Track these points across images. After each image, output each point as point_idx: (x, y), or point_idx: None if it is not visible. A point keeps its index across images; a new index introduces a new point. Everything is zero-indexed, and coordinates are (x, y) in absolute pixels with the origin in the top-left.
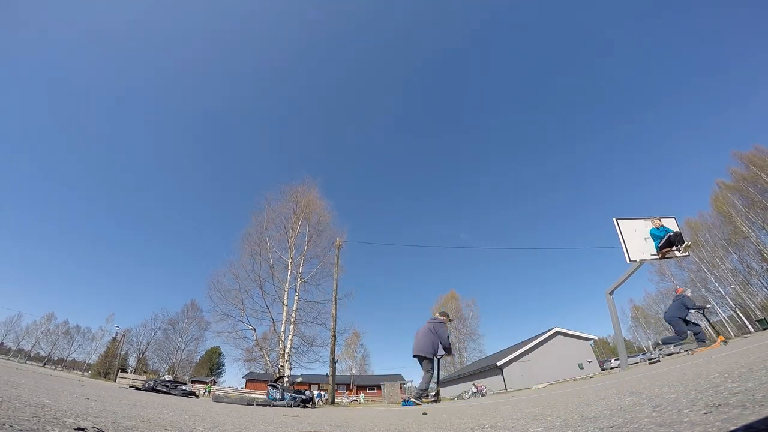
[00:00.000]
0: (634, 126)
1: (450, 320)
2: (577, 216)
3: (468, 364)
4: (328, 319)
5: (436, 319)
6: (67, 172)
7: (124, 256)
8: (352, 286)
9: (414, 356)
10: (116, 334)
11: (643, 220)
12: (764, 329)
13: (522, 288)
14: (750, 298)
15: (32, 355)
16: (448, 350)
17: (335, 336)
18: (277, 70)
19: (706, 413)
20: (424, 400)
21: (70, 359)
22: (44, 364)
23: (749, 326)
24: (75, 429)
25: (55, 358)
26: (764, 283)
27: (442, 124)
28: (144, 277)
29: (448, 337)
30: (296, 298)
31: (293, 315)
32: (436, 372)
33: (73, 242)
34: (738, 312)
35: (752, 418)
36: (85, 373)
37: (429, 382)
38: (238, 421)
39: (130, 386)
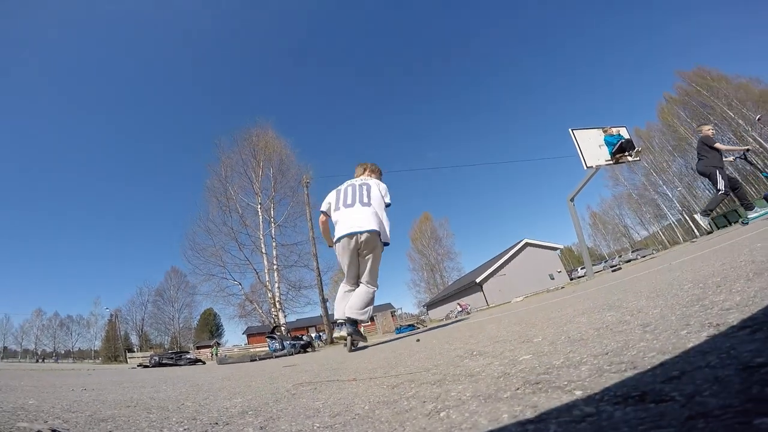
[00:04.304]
0: (579, 44)
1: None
2: (535, 130)
3: (450, 284)
4: (310, 260)
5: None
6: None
7: (92, 238)
8: None
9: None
10: (111, 316)
11: (596, 129)
12: (709, 233)
13: (490, 203)
14: (695, 201)
15: (39, 352)
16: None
17: (320, 275)
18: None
19: (708, 337)
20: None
21: (76, 349)
22: (56, 360)
23: (695, 230)
24: None
25: (62, 351)
26: (706, 186)
27: (398, 38)
28: (117, 254)
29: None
30: (273, 243)
31: (275, 261)
32: None
33: (32, 232)
34: (684, 215)
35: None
36: (96, 360)
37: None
38: (236, 384)
39: (138, 365)
